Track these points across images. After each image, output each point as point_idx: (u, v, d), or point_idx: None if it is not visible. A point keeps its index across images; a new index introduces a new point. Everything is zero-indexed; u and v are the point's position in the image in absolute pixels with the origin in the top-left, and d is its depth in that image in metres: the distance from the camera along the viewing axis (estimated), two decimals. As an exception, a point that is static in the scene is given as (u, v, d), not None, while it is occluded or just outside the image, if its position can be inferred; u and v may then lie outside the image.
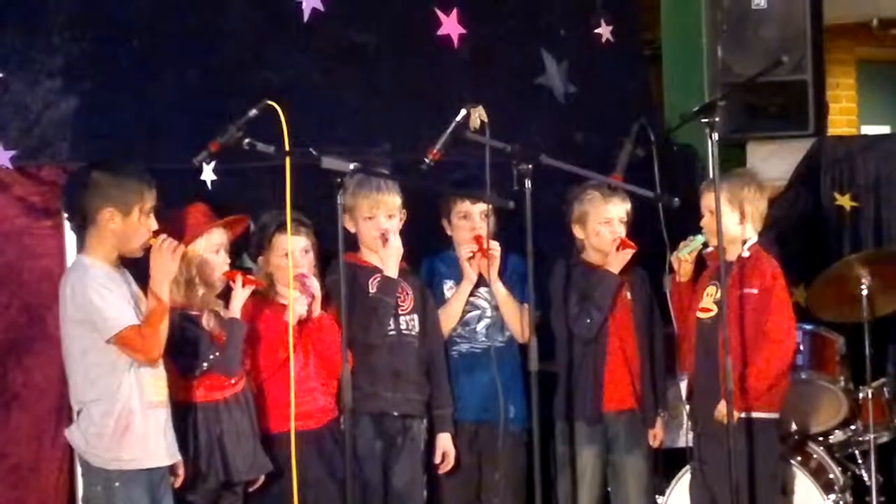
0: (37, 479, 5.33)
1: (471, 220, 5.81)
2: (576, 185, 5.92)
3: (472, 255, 5.75)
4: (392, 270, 5.58)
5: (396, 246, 5.57)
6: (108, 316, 4.67)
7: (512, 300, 5.81)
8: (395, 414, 5.60)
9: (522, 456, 5.67)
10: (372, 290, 5.59)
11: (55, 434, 5.29)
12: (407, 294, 5.70)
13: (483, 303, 5.85)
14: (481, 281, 5.81)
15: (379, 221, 5.61)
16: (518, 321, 5.77)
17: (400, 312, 5.65)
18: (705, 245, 5.74)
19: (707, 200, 5.69)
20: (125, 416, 4.72)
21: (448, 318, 5.82)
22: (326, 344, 5.41)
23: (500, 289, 5.80)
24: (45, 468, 5.34)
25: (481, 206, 5.71)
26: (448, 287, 5.88)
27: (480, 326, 5.85)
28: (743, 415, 5.57)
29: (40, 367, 5.29)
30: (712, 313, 5.65)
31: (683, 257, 5.78)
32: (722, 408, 5.43)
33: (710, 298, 5.71)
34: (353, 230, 5.65)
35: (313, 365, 5.44)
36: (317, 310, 5.40)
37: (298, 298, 5.32)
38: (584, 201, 5.95)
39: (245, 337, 5.25)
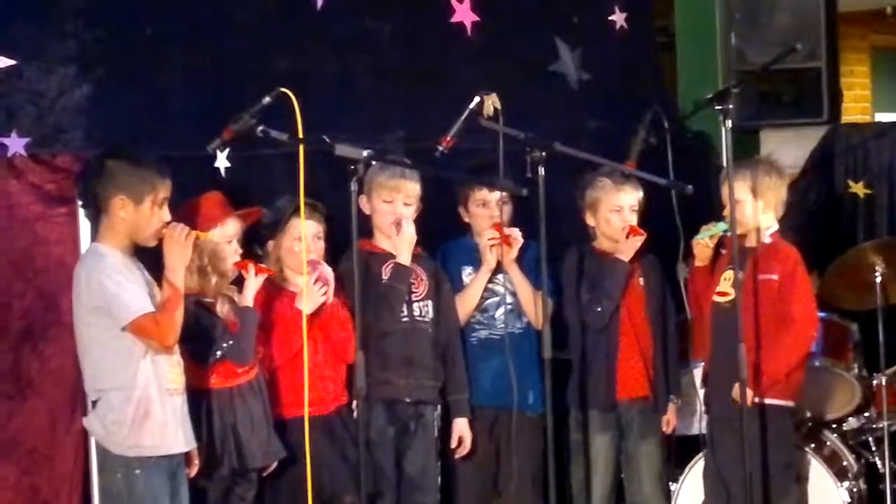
0: (51, 466, 5.34)
1: (489, 208, 5.81)
2: (588, 172, 5.92)
3: (494, 241, 5.74)
4: (405, 258, 5.58)
5: (410, 233, 5.57)
6: (125, 303, 4.66)
7: (528, 285, 5.80)
8: (408, 400, 5.60)
9: (541, 442, 5.63)
10: (385, 276, 5.59)
11: (70, 421, 5.30)
12: (421, 280, 5.69)
13: (502, 289, 5.84)
14: (500, 267, 5.81)
15: (396, 206, 5.61)
16: (533, 307, 5.77)
17: (413, 299, 5.65)
18: (726, 231, 5.71)
19: (728, 190, 5.64)
20: (144, 403, 4.71)
21: (466, 304, 5.82)
22: (337, 331, 5.42)
23: (516, 273, 5.80)
24: (60, 455, 5.35)
25: (499, 194, 5.71)
26: (467, 273, 5.88)
27: (499, 313, 5.84)
28: (757, 400, 5.55)
29: (55, 355, 5.30)
30: (730, 297, 5.61)
31: (704, 241, 5.76)
32: (738, 391, 5.42)
33: (728, 283, 5.67)
34: (368, 212, 5.64)
35: (323, 351, 5.44)
36: (330, 297, 5.41)
37: (317, 287, 5.33)
38: (595, 188, 5.94)
39: (268, 325, 5.29)
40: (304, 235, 5.22)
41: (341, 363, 5.47)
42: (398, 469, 5.56)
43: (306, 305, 5.23)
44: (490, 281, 5.82)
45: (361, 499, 4.91)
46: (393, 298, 5.57)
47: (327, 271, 5.39)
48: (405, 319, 5.62)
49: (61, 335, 5.21)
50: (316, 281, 5.33)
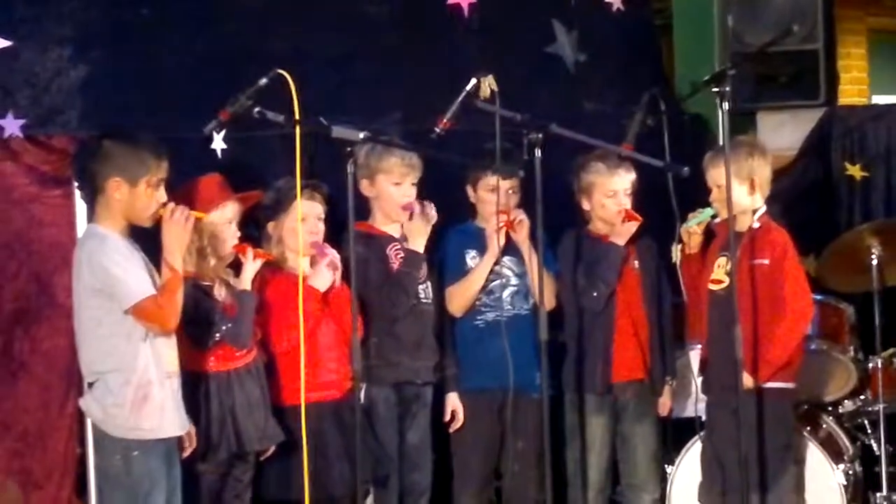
0: (43, 448, 5.35)
1: (497, 195, 5.79)
2: (582, 154, 5.91)
3: (502, 226, 5.72)
4: (419, 244, 5.59)
5: (432, 217, 5.59)
6: (128, 286, 4.64)
7: (543, 268, 5.78)
8: (419, 382, 5.66)
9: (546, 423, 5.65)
10: (391, 259, 5.60)
11: (63, 403, 5.30)
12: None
13: (507, 271, 5.84)
14: (506, 250, 5.78)
15: (406, 188, 5.61)
16: (546, 289, 5.75)
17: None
18: (714, 216, 5.72)
19: (714, 174, 5.65)
20: (143, 385, 4.70)
21: (470, 288, 5.81)
22: (345, 314, 5.38)
23: (533, 255, 5.76)
24: (52, 437, 5.35)
25: (509, 182, 5.70)
26: (471, 256, 5.87)
27: (505, 295, 5.84)
28: (755, 384, 5.56)
29: (48, 337, 5.30)
30: (724, 284, 5.62)
31: (692, 228, 5.76)
32: (747, 379, 5.41)
33: (721, 270, 5.68)
34: (371, 195, 5.63)
35: (335, 335, 5.42)
36: (337, 279, 5.39)
37: (326, 267, 5.32)
38: (589, 173, 5.93)
39: (268, 308, 5.27)
40: (300, 217, 5.20)
41: (348, 347, 5.43)
42: (399, 449, 5.60)
43: (301, 283, 5.17)
44: (496, 263, 5.78)
45: (358, 484, 4.91)
46: (409, 284, 5.59)
47: (334, 253, 5.37)
48: (413, 303, 5.64)
49: (54, 317, 5.21)
50: (320, 261, 5.32)
